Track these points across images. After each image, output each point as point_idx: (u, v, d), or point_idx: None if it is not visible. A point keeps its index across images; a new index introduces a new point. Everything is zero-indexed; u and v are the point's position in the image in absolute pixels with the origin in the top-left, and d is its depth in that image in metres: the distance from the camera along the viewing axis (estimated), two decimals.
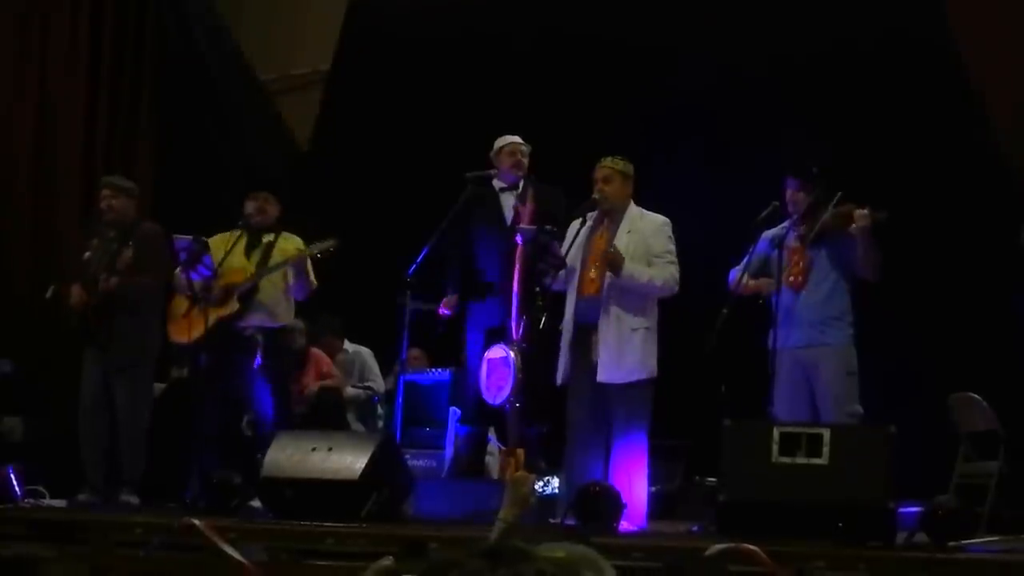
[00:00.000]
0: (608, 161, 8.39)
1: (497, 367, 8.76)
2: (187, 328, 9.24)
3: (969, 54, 10.34)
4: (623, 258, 8.14)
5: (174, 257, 9.36)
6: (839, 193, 8.19)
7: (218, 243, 9.41)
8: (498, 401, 8.73)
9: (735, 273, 8.37)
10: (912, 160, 10.53)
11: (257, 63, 12.98)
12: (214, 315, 9.21)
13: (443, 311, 9.46)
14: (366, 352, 11.80)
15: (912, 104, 10.76)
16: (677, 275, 8.29)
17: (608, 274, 8.18)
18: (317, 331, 11.43)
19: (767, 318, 8.22)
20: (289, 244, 9.42)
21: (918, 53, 10.85)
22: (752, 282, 8.36)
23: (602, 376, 8.11)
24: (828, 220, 8.14)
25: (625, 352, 8.12)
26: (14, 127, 11.85)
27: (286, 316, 9.53)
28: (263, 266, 9.33)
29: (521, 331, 8.66)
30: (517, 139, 9.47)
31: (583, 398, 8.23)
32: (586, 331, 8.24)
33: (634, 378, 8.13)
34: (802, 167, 8.39)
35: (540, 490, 8.46)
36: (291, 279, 9.38)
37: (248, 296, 9.29)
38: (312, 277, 9.37)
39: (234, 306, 9.26)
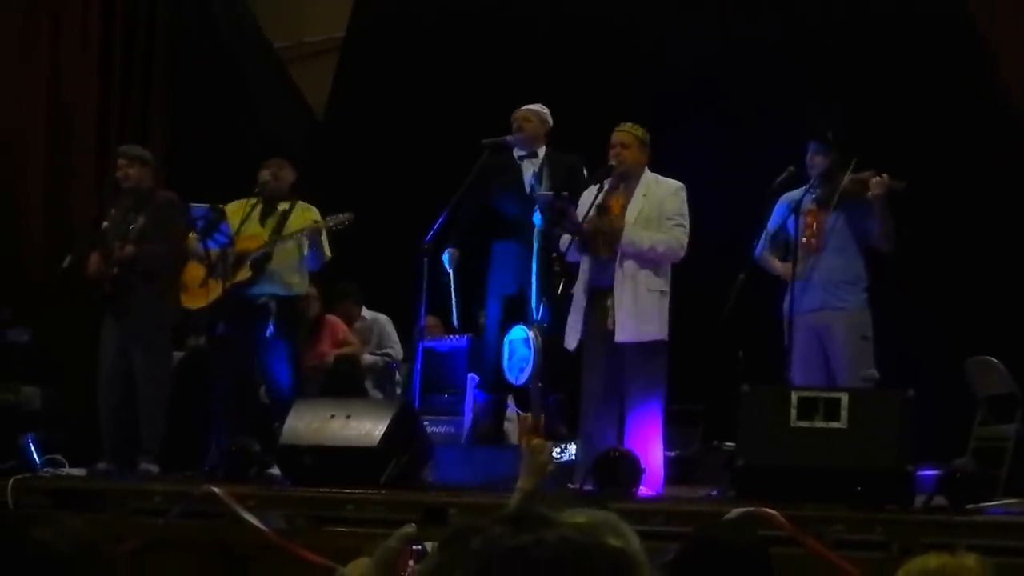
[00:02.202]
0: (627, 126, 8.39)
1: (519, 348, 8.76)
2: (204, 296, 9.25)
3: (984, 20, 10.29)
4: (621, 227, 8.14)
5: (190, 225, 9.35)
6: (854, 160, 8.19)
7: (234, 209, 9.38)
8: (520, 382, 8.75)
9: (760, 246, 8.36)
10: (927, 126, 10.50)
11: (270, 31, 12.95)
12: (228, 282, 9.21)
13: (447, 264, 9.39)
14: (384, 319, 11.80)
15: (927, 71, 10.72)
16: (684, 239, 8.27)
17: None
18: (336, 296, 11.42)
19: (783, 283, 8.22)
20: (306, 215, 9.37)
21: (932, 19, 10.80)
22: (779, 265, 8.34)
23: (620, 336, 8.11)
24: (847, 185, 8.14)
25: (642, 312, 8.13)
26: (27, 99, 11.83)
27: (300, 285, 9.48)
28: (277, 234, 9.31)
29: (541, 307, 8.65)
30: (527, 107, 9.40)
31: (597, 364, 8.24)
32: (600, 294, 8.25)
33: (650, 337, 8.14)
34: (820, 131, 8.38)
35: (557, 457, 8.47)
36: (305, 250, 9.34)
37: (261, 264, 9.26)
38: (327, 249, 9.33)
39: (246, 273, 9.25)
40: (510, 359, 8.82)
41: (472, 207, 9.37)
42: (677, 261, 8.33)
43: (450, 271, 9.38)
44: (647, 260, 8.19)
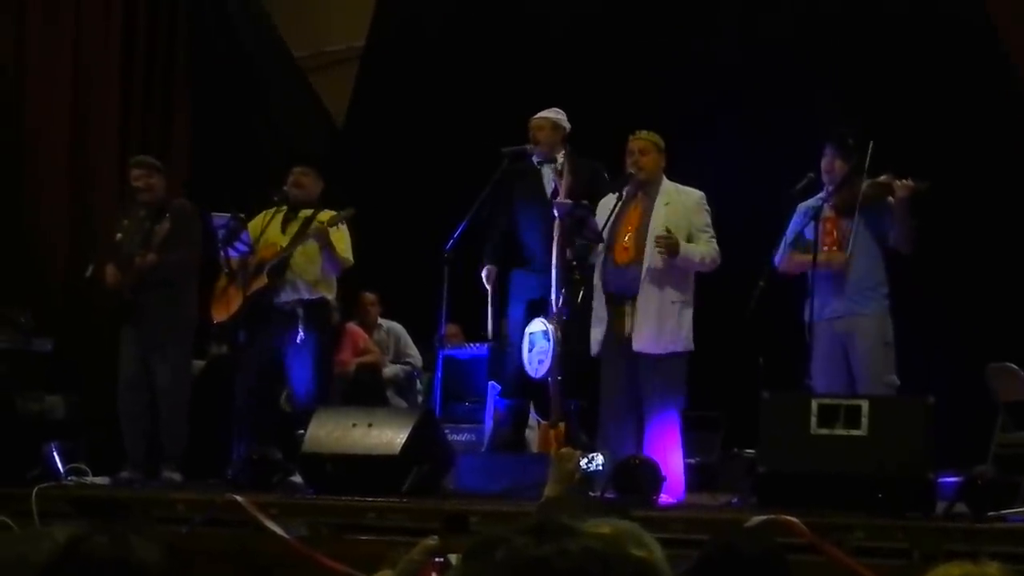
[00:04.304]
0: (644, 134, 8.40)
1: (538, 340, 8.78)
2: (226, 305, 9.28)
3: (1000, 17, 10.28)
4: (678, 241, 8.14)
5: (210, 234, 9.36)
6: (868, 158, 8.16)
7: (256, 223, 9.40)
8: (540, 374, 8.75)
9: (780, 254, 8.33)
10: (945, 127, 10.48)
11: (291, 40, 13.01)
12: (247, 291, 9.22)
13: (485, 282, 9.40)
14: (398, 327, 11.84)
15: (944, 69, 10.70)
16: (718, 248, 8.32)
17: (648, 246, 8.17)
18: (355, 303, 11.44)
19: (803, 290, 8.21)
20: (325, 219, 9.36)
21: (950, 17, 10.80)
22: (799, 256, 8.31)
23: (639, 346, 8.13)
24: (867, 190, 8.11)
25: (665, 324, 8.15)
26: (49, 107, 11.87)
27: (325, 289, 9.42)
28: (296, 241, 9.30)
29: (561, 304, 8.65)
30: (541, 114, 9.38)
31: (616, 372, 8.25)
32: (618, 301, 8.25)
33: (671, 350, 8.16)
34: (839, 136, 8.36)
35: (585, 466, 8.47)
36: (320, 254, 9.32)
37: (278, 271, 9.24)
38: (344, 252, 9.27)
39: (263, 281, 9.24)
40: (530, 351, 8.84)
41: (501, 219, 9.37)
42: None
43: (488, 288, 9.39)
44: (680, 269, 8.22)
